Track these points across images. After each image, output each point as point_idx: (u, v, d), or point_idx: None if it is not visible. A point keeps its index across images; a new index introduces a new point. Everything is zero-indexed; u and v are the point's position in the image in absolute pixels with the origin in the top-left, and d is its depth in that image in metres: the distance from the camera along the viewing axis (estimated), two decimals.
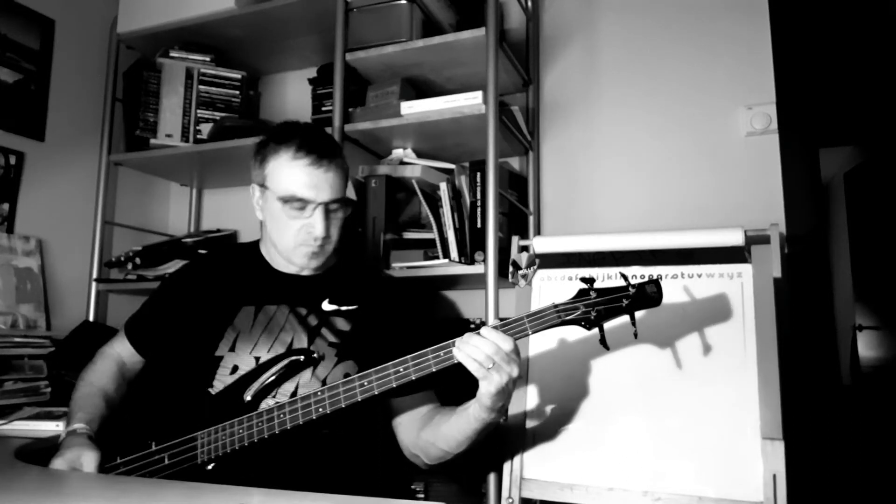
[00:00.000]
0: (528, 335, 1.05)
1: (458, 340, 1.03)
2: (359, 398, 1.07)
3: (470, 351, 1.00)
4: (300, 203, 1.20)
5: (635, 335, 1.08)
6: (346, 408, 1.07)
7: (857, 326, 4.19)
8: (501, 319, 1.06)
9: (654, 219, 1.85)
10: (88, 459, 1.08)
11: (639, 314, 1.07)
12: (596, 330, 1.06)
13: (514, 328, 1.04)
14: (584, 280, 1.08)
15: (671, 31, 1.94)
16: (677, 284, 1.41)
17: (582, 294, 1.07)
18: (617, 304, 1.05)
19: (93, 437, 1.16)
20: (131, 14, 2.06)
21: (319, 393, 1.09)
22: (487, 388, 1.01)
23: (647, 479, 1.29)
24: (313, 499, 0.84)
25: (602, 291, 1.07)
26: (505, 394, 1.03)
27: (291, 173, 1.20)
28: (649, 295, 1.07)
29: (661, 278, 1.11)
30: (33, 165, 1.97)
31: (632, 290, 1.06)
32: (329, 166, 1.21)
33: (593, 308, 1.05)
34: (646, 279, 1.09)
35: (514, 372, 1.01)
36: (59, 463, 1.07)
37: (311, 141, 1.22)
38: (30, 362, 1.68)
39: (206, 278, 1.37)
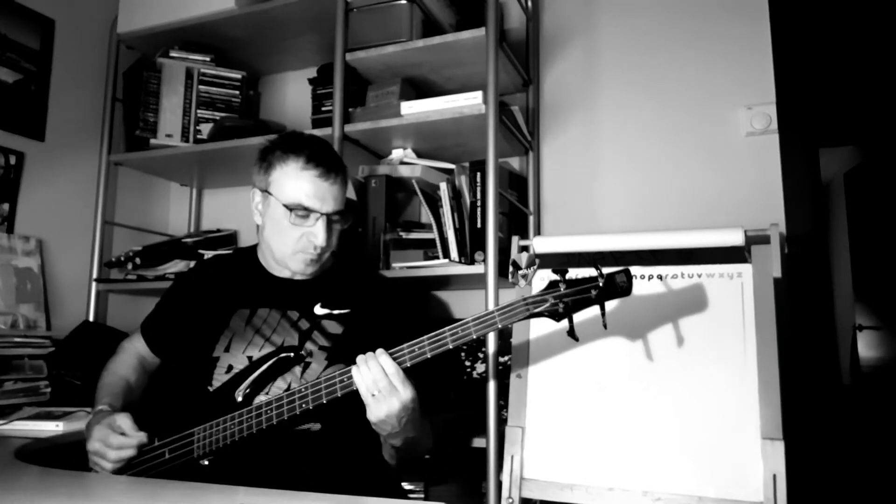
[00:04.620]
0: (497, 328, 1.05)
1: (359, 358, 1.04)
2: (324, 400, 1.08)
3: (363, 372, 1.02)
4: (305, 212, 1.23)
5: (604, 326, 1.06)
6: (328, 404, 1.09)
7: (857, 326, 4.19)
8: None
9: (654, 219, 1.85)
10: (122, 417, 1.15)
11: (634, 312, 1.06)
12: (565, 322, 1.04)
13: (485, 321, 1.04)
14: (555, 271, 1.06)
15: (671, 31, 1.94)
16: (677, 284, 1.41)
17: (552, 286, 1.05)
18: (585, 294, 1.03)
19: None
20: (131, 14, 2.06)
21: (295, 392, 1.11)
22: (369, 413, 1.03)
23: (647, 479, 1.28)
24: (313, 499, 0.84)
25: (571, 283, 1.04)
26: (388, 425, 1.04)
27: (299, 183, 1.23)
28: (619, 285, 1.03)
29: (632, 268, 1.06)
30: (33, 165, 1.97)
31: (601, 281, 1.03)
32: (336, 179, 1.26)
33: (560, 300, 1.03)
34: (617, 269, 1.05)
35: (395, 405, 1.01)
36: (96, 431, 1.13)
37: (321, 154, 1.26)
38: (30, 362, 1.68)
39: (208, 282, 1.41)
